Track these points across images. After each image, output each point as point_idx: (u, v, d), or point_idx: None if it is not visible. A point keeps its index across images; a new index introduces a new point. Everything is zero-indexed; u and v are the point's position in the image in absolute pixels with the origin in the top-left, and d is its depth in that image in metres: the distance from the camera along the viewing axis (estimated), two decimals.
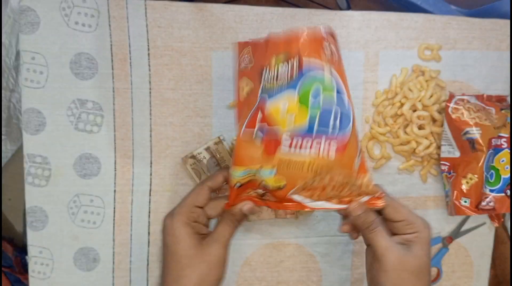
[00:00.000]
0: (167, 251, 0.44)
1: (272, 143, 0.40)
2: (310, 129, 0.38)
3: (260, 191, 0.43)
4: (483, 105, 0.60)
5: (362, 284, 0.66)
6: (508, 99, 0.63)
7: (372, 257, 0.46)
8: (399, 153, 0.64)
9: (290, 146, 0.39)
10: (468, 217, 0.65)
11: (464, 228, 0.65)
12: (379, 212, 0.48)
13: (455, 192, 0.60)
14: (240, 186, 0.44)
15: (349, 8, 0.63)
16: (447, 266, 0.67)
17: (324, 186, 0.41)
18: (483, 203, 0.59)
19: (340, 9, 0.63)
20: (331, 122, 0.38)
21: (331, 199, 0.42)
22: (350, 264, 0.66)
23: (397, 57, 0.63)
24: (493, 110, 0.60)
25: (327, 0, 0.67)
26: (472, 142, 0.59)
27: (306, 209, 0.43)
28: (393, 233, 0.48)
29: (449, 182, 0.62)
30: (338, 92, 0.39)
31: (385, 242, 0.45)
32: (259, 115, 0.40)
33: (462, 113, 0.59)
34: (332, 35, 0.40)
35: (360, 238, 0.50)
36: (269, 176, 0.41)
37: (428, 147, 0.62)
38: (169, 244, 0.44)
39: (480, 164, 0.59)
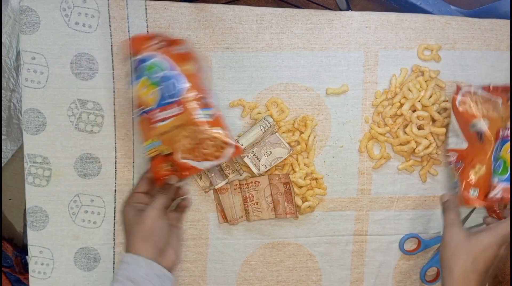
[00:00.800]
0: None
1: (149, 119, 0.54)
2: (163, 99, 0.53)
3: (169, 165, 0.57)
4: (490, 95, 0.60)
5: (362, 283, 0.66)
6: None
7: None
8: (398, 153, 0.64)
9: (161, 118, 0.54)
10: (467, 217, 0.65)
11: (464, 228, 0.65)
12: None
13: (464, 183, 0.60)
14: (152, 158, 0.58)
15: (348, 8, 0.64)
16: None
17: (195, 145, 0.54)
18: (492, 194, 0.59)
19: (340, 9, 0.64)
20: (172, 91, 0.53)
21: (209, 158, 0.56)
22: (350, 264, 0.66)
23: (396, 58, 0.63)
24: (499, 101, 0.60)
25: (327, 0, 0.68)
26: (480, 133, 0.59)
27: (198, 170, 0.57)
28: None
29: (456, 174, 0.62)
30: (169, 69, 0.54)
31: (451, 219, 0.57)
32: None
33: (470, 106, 0.59)
34: (162, 38, 0.55)
35: None
36: (159, 146, 0.56)
37: (427, 147, 0.62)
38: (122, 219, 0.60)
39: (488, 155, 0.59)
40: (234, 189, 0.62)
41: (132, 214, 0.56)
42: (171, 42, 0.56)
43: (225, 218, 0.63)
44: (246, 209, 0.63)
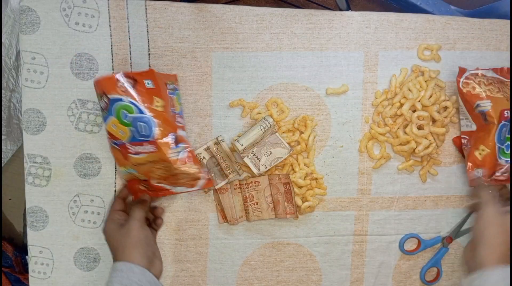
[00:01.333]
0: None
1: (123, 150, 0.55)
2: (134, 138, 0.54)
3: (144, 185, 0.59)
4: (501, 77, 0.61)
5: (362, 283, 0.66)
6: None
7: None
8: (398, 153, 0.64)
9: (134, 152, 0.55)
10: (467, 216, 0.66)
11: (464, 228, 0.66)
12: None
13: (469, 164, 0.61)
14: (128, 180, 0.60)
15: (348, 8, 0.64)
16: (447, 266, 0.67)
17: (169, 175, 0.56)
18: (498, 174, 0.60)
19: (340, 9, 0.64)
20: (143, 132, 0.54)
21: (183, 185, 0.57)
22: (350, 264, 0.66)
23: (396, 58, 0.63)
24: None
25: (327, 0, 0.68)
26: (483, 114, 0.59)
27: (171, 193, 0.58)
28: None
29: (466, 155, 0.62)
30: (138, 112, 0.54)
31: (486, 199, 0.59)
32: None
33: (473, 87, 0.60)
34: (128, 76, 0.54)
35: None
36: (135, 173, 0.57)
37: (427, 147, 0.62)
38: (105, 236, 0.59)
39: (492, 135, 0.59)
40: (234, 189, 0.62)
41: (115, 228, 0.57)
42: (138, 78, 0.54)
43: (225, 218, 0.63)
44: (246, 209, 0.63)
